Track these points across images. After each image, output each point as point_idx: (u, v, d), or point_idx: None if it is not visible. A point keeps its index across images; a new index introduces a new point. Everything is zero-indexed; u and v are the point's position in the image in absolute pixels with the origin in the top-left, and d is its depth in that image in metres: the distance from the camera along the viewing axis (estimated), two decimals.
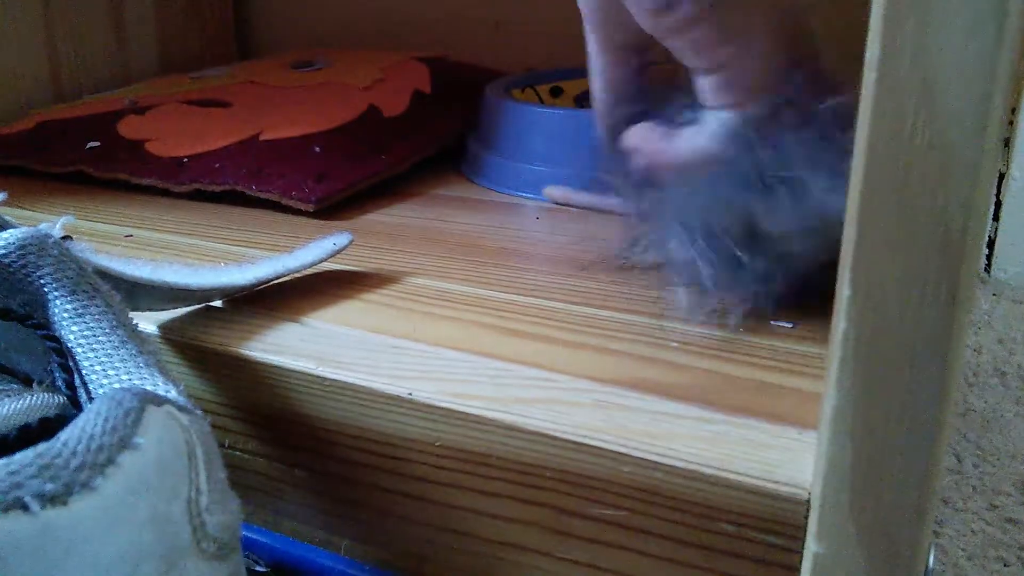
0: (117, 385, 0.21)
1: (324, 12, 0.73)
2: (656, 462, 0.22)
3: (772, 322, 0.29)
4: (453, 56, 0.61)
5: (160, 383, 0.21)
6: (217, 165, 0.44)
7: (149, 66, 0.67)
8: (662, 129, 0.31)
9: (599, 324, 0.29)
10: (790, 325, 0.29)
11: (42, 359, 0.23)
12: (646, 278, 0.33)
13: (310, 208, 0.41)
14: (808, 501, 0.21)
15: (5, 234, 0.22)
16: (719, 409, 0.24)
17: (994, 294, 0.58)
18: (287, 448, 0.28)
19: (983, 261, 0.60)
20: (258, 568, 0.29)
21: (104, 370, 0.21)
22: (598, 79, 0.35)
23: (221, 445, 0.23)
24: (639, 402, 0.24)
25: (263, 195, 0.42)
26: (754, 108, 0.29)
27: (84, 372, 0.22)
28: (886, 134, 0.16)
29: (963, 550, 0.36)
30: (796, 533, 0.21)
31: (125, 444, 0.17)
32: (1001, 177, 0.58)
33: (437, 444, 0.25)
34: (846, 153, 0.23)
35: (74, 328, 0.22)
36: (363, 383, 0.26)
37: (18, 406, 0.21)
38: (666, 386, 0.25)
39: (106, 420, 0.17)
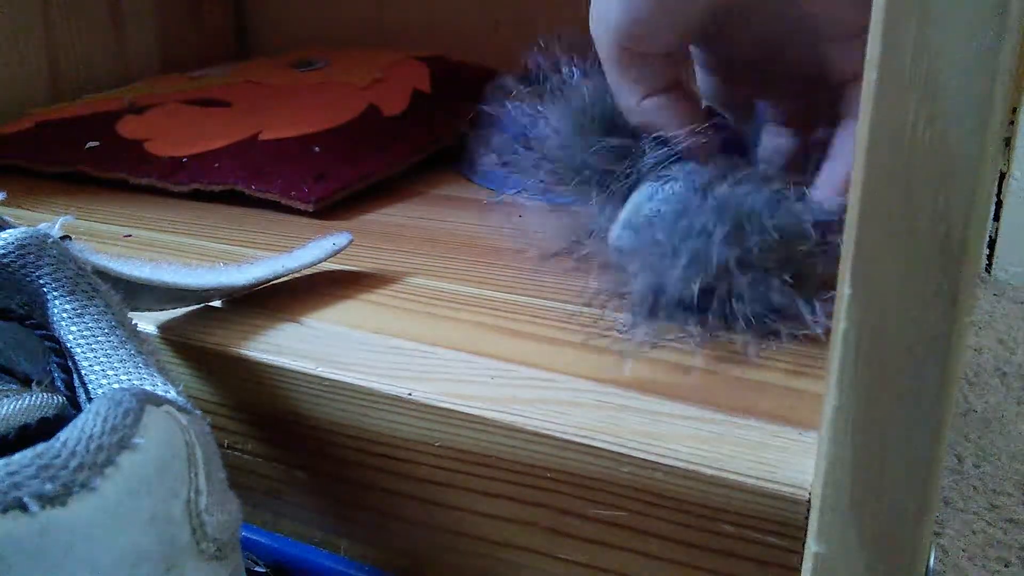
0: (116, 385, 0.21)
1: (324, 12, 0.73)
2: (656, 462, 0.22)
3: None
4: (453, 56, 0.61)
5: (159, 383, 0.21)
6: (216, 165, 0.44)
7: (149, 65, 0.67)
8: None
9: (599, 324, 0.29)
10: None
11: (41, 359, 0.23)
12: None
13: (309, 208, 0.41)
14: (808, 501, 0.21)
15: (4, 234, 0.22)
16: (719, 409, 0.24)
17: (995, 294, 0.58)
18: (286, 448, 0.28)
19: (984, 261, 0.60)
20: (257, 568, 0.29)
21: (103, 370, 0.21)
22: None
23: (220, 445, 0.23)
24: (639, 402, 0.24)
25: (262, 195, 0.42)
26: None
27: (83, 372, 0.22)
28: (887, 133, 0.16)
29: (964, 550, 0.36)
30: (796, 533, 0.21)
31: (124, 444, 0.17)
32: (1002, 177, 0.58)
33: (436, 444, 0.25)
34: None
35: (73, 328, 0.22)
36: (362, 383, 0.26)
37: (17, 406, 0.21)
38: (666, 386, 0.25)
39: (105, 420, 0.17)
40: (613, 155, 0.30)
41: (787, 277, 0.27)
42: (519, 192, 0.44)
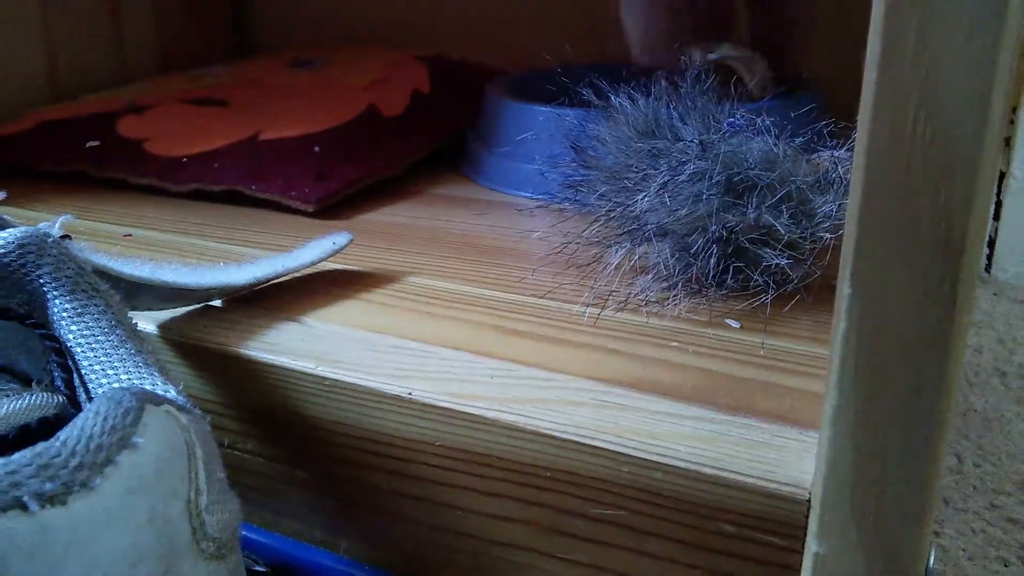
0: (116, 384, 0.21)
1: (324, 11, 0.73)
2: (656, 462, 0.22)
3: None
4: (453, 56, 0.61)
5: (159, 382, 0.21)
6: (216, 165, 0.44)
7: (148, 65, 0.67)
8: None
9: (599, 324, 0.29)
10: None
11: (41, 359, 0.23)
12: (643, 278, 0.33)
13: (309, 208, 0.41)
14: (808, 501, 0.21)
15: (4, 233, 0.22)
16: (719, 409, 0.24)
17: (995, 294, 0.58)
18: (286, 448, 0.28)
19: (983, 261, 0.60)
20: (257, 568, 0.29)
21: (103, 369, 0.21)
22: None
23: (220, 445, 0.23)
24: (639, 402, 0.24)
25: (262, 195, 0.42)
26: None
27: (83, 371, 0.22)
28: (887, 132, 0.16)
29: (964, 550, 0.36)
30: (796, 533, 0.21)
31: (124, 444, 0.17)
32: (1002, 176, 0.58)
33: (437, 444, 0.25)
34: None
35: (73, 327, 0.22)
36: (363, 383, 0.26)
37: (17, 406, 0.21)
38: (666, 386, 0.25)
39: (105, 420, 0.17)
40: (652, 157, 0.31)
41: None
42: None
